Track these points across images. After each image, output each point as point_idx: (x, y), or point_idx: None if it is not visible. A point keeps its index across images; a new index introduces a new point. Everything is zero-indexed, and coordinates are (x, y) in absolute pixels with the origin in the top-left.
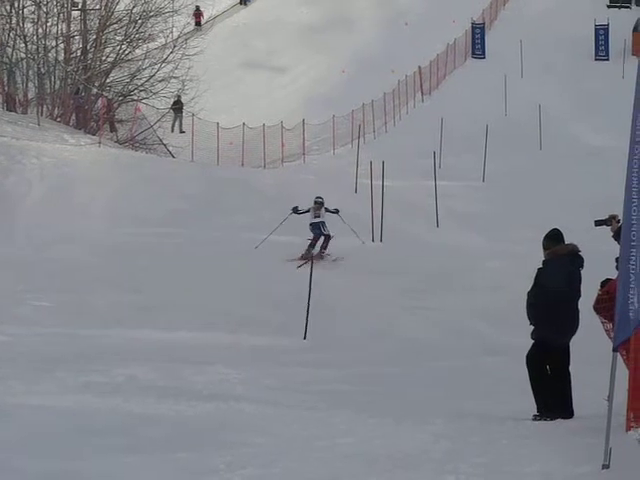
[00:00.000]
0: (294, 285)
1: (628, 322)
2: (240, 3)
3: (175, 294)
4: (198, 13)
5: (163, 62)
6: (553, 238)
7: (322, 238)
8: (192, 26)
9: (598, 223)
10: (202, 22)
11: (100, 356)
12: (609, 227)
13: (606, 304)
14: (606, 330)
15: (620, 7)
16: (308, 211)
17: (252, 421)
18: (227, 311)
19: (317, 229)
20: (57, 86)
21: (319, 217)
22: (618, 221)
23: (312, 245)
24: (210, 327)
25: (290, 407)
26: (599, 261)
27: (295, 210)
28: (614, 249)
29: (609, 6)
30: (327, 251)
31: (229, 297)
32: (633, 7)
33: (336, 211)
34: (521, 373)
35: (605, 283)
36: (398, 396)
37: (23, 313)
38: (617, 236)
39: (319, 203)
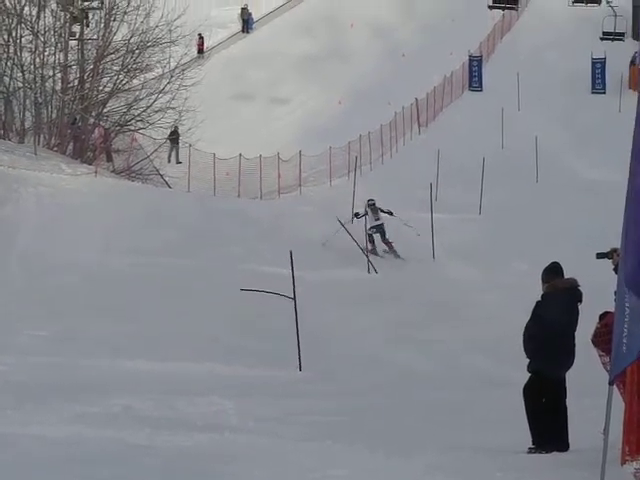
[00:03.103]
0: (290, 316)
1: (622, 356)
2: (242, 31)
3: (170, 324)
4: (201, 41)
5: (160, 92)
6: (553, 271)
7: (379, 237)
8: (191, 56)
9: (599, 256)
10: (204, 50)
11: (95, 386)
12: (610, 260)
13: (604, 337)
14: (603, 363)
15: (613, 40)
16: (366, 214)
17: (246, 452)
18: (222, 342)
19: (380, 230)
20: (54, 115)
21: (379, 219)
22: (619, 254)
23: (372, 241)
24: (205, 357)
25: (284, 438)
26: (596, 294)
27: (356, 216)
28: (612, 282)
29: (602, 39)
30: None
31: (224, 328)
32: (627, 40)
33: (390, 212)
34: (516, 405)
35: (604, 316)
36: (392, 427)
37: (18, 342)
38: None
39: (373, 205)
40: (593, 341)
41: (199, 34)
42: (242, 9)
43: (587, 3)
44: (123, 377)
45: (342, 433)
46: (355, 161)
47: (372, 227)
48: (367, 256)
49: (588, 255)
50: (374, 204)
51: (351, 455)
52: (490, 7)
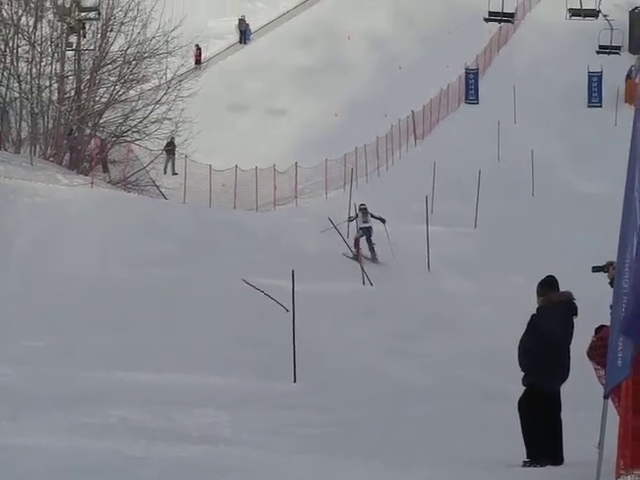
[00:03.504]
0: (285, 328)
1: (617, 370)
2: (240, 42)
3: (166, 335)
4: (198, 52)
5: (157, 103)
6: (548, 285)
7: (365, 239)
8: (188, 67)
9: (595, 269)
10: (202, 61)
11: (91, 397)
12: (606, 274)
13: (600, 350)
14: (599, 377)
15: (609, 53)
16: (357, 216)
17: (241, 464)
18: (217, 353)
19: (367, 232)
20: (50, 126)
21: (367, 222)
22: (615, 268)
23: (357, 246)
24: (200, 369)
25: (279, 451)
26: (592, 308)
27: (350, 219)
28: (607, 296)
29: (598, 52)
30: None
31: (219, 339)
32: (623, 54)
33: (382, 220)
34: (511, 418)
35: (599, 329)
36: (387, 440)
37: (15, 353)
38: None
39: (363, 209)
40: (589, 354)
41: (196, 45)
42: (240, 20)
43: (585, 17)
44: (119, 388)
45: (337, 445)
46: (351, 173)
47: (360, 229)
48: (362, 268)
49: (584, 269)
50: (365, 208)
51: (346, 468)
52: (486, 20)
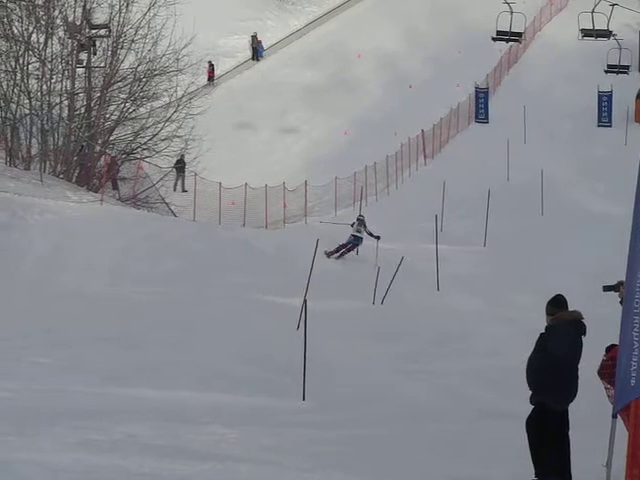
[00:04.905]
0: (293, 345)
1: (629, 389)
2: (252, 59)
3: (173, 352)
4: (211, 68)
5: (167, 121)
6: (557, 304)
7: (351, 246)
8: (198, 84)
9: (606, 289)
10: (214, 77)
11: (98, 413)
12: (617, 293)
13: (610, 370)
14: (609, 396)
15: (618, 73)
16: (354, 224)
17: None
18: (225, 370)
19: (356, 241)
20: (60, 143)
21: (360, 232)
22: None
23: (338, 250)
24: (208, 386)
25: (286, 468)
26: (602, 327)
27: (352, 225)
28: (618, 315)
29: (607, 71)
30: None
31: (227, 356)
32: (632, 73)
33: (377, 237)
34: (519, 437)
35: (610, 349)
36: (395, 459)
37: (21, 369)
38: None
39: (360, 220)
40: (599, 373)
41: (209, 61)
42: (252, 37)
43: (597, 37)
44: (126, 405)
45: (345, 464)
46: (361, 192)
47: (351, 235)
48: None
49: (593, 288)
50: (362, 220)
51: None
52: (494, 39)
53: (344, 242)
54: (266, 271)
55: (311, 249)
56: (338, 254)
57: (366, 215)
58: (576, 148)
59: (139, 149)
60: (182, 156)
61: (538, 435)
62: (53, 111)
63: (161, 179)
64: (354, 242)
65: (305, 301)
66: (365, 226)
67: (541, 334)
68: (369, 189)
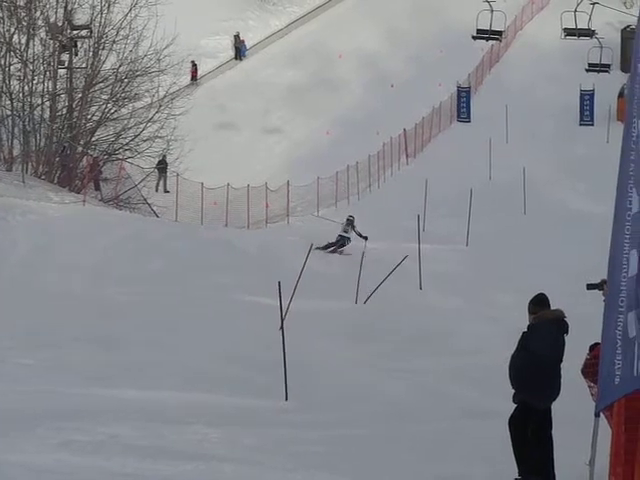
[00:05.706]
0: (276, 345)
1: (614, 387)
2: (235, 58)
3: (157, 353)
4: (194, 68)
5: (149, 122)
6: (539, 303)
7: (339, 245)
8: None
9: (590, 287)
10: (197, 77)
11: (81, 414)
12: (601, 292)
13: (594, 368)
14: (592, 394)
15: (599, 72)
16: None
17: None
18: (208, 371)
19: (342, 240)
20: (42, 144)
21: (347, 232)
22: None
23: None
24: (191, 386)
25: (270, 468)
26: (585, 325)
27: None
28: (601, 313)
29: (588, 70)
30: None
31: (210, 357)
32: (615, 72)
33: (365, 237)
34: (502, 436)
35: (594, 347)
36: (378, 458)
37: (4, 370)
38: None
39: (349, 220)
40: (583, 372)
41: (192, 61)
42: (235, 36)
43: (579, 36)
44: (110, 405)
45: (328, 463)
46: (343, 191)
47: (339, 234)
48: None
49: (576, 286)
50: (351, 220)
51: None
52: (474, 37)
53: (333, 241)
54: (249, 271)
55: (293, 249)
56: (327, 251)
57: (347, 214)
58: (558, 147)
59: (121, 150)
60: (164, 156)
61: (521, 433)
62: (35, 112)
63: (143, 180)
64: (341, 242)
65: (280, 300)
66: (354, 226)
67: (523, 333)
68: (351, 188)
